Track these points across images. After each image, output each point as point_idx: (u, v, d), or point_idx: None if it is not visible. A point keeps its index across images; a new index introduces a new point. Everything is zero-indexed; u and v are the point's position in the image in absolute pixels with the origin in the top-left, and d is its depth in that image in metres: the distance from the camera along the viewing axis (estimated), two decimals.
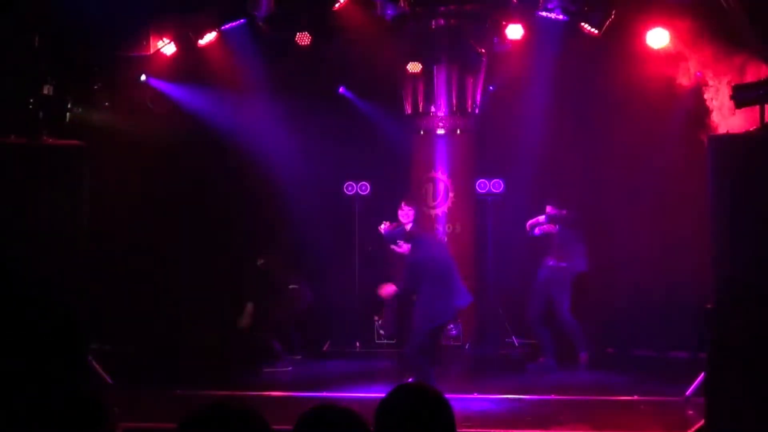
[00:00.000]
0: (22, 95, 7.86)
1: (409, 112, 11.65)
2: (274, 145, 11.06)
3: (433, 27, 10.94)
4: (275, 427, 2.75)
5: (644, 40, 8.97)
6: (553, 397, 8.66)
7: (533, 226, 10.26)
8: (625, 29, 9.15)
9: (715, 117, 8.21)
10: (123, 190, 10.10)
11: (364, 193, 11.57)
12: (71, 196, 7.58)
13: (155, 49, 9.75)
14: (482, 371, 10.25)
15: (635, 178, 10.40)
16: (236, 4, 9.76)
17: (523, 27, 9.75)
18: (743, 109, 7.26)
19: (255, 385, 9.05)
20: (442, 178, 11.49)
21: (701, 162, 7.04)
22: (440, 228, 11.40)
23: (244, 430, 2.61)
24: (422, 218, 11.10)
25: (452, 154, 11.54)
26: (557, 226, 10.16)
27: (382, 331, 11.23)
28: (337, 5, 9.67)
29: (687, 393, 8.05)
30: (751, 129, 6.93)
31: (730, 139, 7.21)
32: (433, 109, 11.54)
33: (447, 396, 2.92)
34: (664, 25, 8.83)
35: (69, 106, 8.21)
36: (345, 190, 11.58)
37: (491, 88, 11.59)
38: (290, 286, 10.40)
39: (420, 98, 11.57)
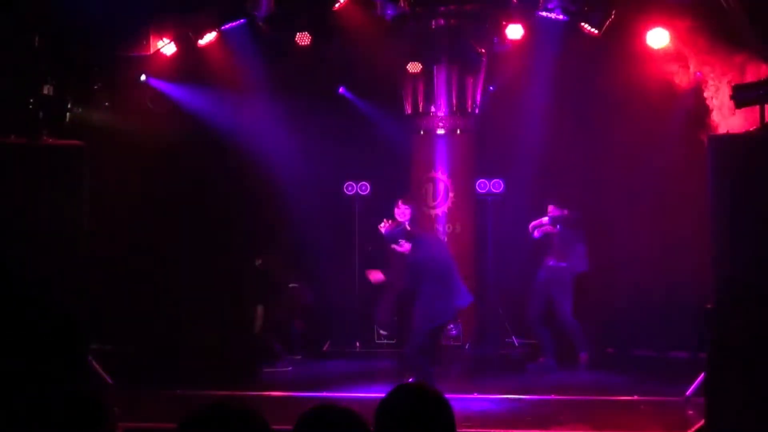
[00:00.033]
0: (22, 95, 7.86)
1: (409, 112, 11.65)
2: (274, 145, 11.05)
3: (433, 27, 10.94)
4: (275, 427, 2.74)
5: (644, 40, 8.97)
6: (553, 397, 8.66)
7: (535, 228, 10.24)
8: (625, 29, 9.15)
9: (715, 116, 8.21)
10: (123, 190, 10.10)
11: (364, 193, 11.57)
12: (71, 196, 7.58)
13: (155, 49, 9.75)
14: (482, 371, 10.24)
15: (635, 178, 10.39)
16: (236, 4, 9.75)
17: (523, 27, 9.75)
18: (743, 109, 7.26)
19: (255, 385, 9.05)
20: (442, 178, 11.49)
21: (701, 162, 7.04)
22: (440, 228, 11.40)
23: (244, 430, 2.61)
24: (422, 218, 11.12)
25: (452, 154, 11.54)
26: (558, 227, 10.15)
27: (382, 332, 11.22)
28: (337, 5, 9.67)
29: (687, 393, 8.05)
30: (751, 129, 6.93)
31: (730, 139, 7.22)
32: (433, 109, 11.54)
33: (447, 396, 2.92)
34: (664, 25, 8.83)
35: (69, 106, 8.21)
36: (345, 190, 11.59)
37: (491, 88, 11.59)
38: (290, 285, 10.40)
39: (420, 98, 11.57)
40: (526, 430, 7.43)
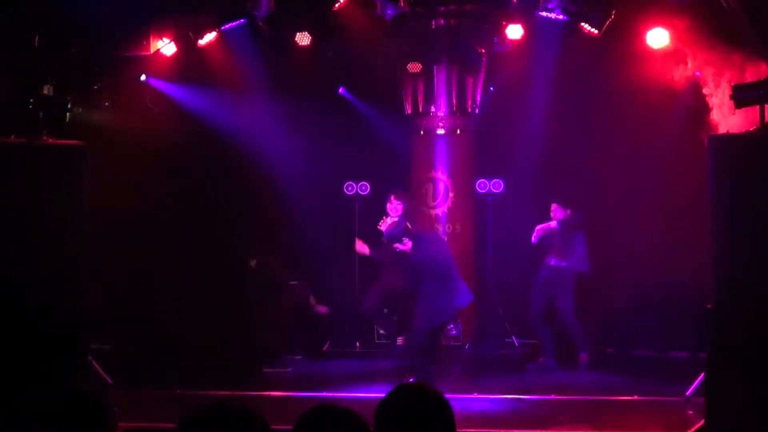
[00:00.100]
0: (22, 95, 7.86)
1: (409, 112, 11.64)
2: (274, 145, 11.05)
3: (433, 27, 10.93)
4: (275, 427, 2.74)
5: (644, 40, 8.97)
6: (553, 397, 8.66)
7: (541, 233, 10.15)
8: (625, 29, 9.15)
9: (715, 116, 8.21)
10: (123, 190, 10.09)
11: (364, 193, 11.57)
12: (71, 196, 7.57)
13: (155, 49, 9.76)
14: (482, 371, 10.24)
15: (635, 178, 10.39)
16: (236, 4, 9.75)
17: (523, 27, 9.75)
18: (743, 109, 7.26)
19: (255, 385, 9.04)
20: (442, 178, 11.49)
21: (701, 162, 7.04)
22: (440, 228, 11.40)
23: (244, 430, 2.61)
24: (422, 218, 11.13)
25: (452, 154, 11.54)
26: (559, 226, 10.13)
27: (381, 331, 11.22)
28: (337, 5, 9.66)
29: (687, 393, 8.04)
30: (751, 129, 6.93)
31: (730, 139, 7.22)
32: (433, 109, 11.53)
33: (447, 396, 2.92)
34: (664, 25, 8.83)
35: (69, 106, 8.22)
36: (345, 190, 11.59)
37: (491, 88, 11.59)
38: (291, 283, 10.40)
39: (420, 98, 11.56)
40: (526, 430, 7.42)
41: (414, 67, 11.11)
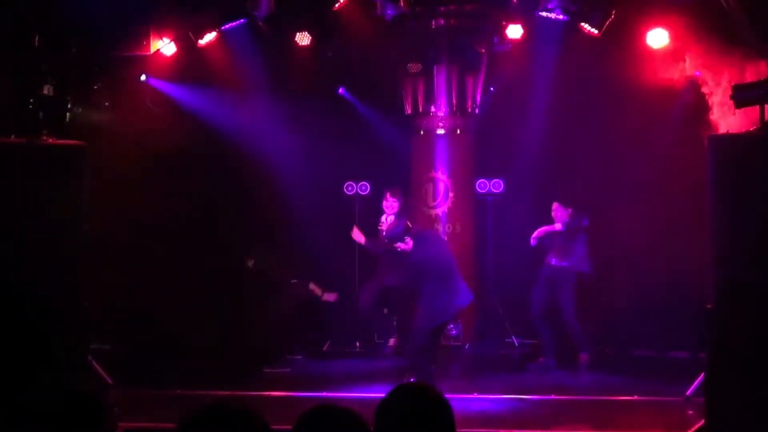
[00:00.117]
0: (22, 95, 7.86)
1: (409, 112, 11.64)
2: (274, 145, 11.05)
3: (433, 27, 10.93)
4: (275, 427, 2.74)
5: (644, 40, 8.97)
6: (553, 397, 8.66)
7: (541, 234, 10.13)
8: (625, 29, 9.16)
9: (715, 115, 8.21)
10: (123, 190, 10.09)
11: (364, 193, 11.57)
12: (71, 196, 7.58)
13: (155, 49, 9.76)
14: (482, 371, 10.23)
15: (635, 178, 10.39)
16: (236, 4, 9.75)
17: (523, 27, 9.75)
18: (743, 109, 7.26)
19: (255, 385, 9.04)
20: (442, 178, 11.48)
21: (701, 162, 7.04)
22: (440, 228, 11.39)
23: (244, 430, 2.61)
24: (422, 218, 11.13)
25: (452, 154, 11.53)
26: (564, 229, 10.10)
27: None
28: (337, 5, 9.66)
29: (687, 393, 8.04)
30: (751, 129, 6.93)
31: (730, 138, 7.21)
32: (433, 109, 11.53)
33: (447, 396, 2.92)
34: (664, 25, 8.84)
35: (69, 106, 8.22)
36: (345, 190, 11.59)
37: (491, 88, 11.58)
38: (292, 281, 10.40)
39: (420, 98, 11.56)
40: (526, 430, 7.42)
41: (414, 67, 11.11)
